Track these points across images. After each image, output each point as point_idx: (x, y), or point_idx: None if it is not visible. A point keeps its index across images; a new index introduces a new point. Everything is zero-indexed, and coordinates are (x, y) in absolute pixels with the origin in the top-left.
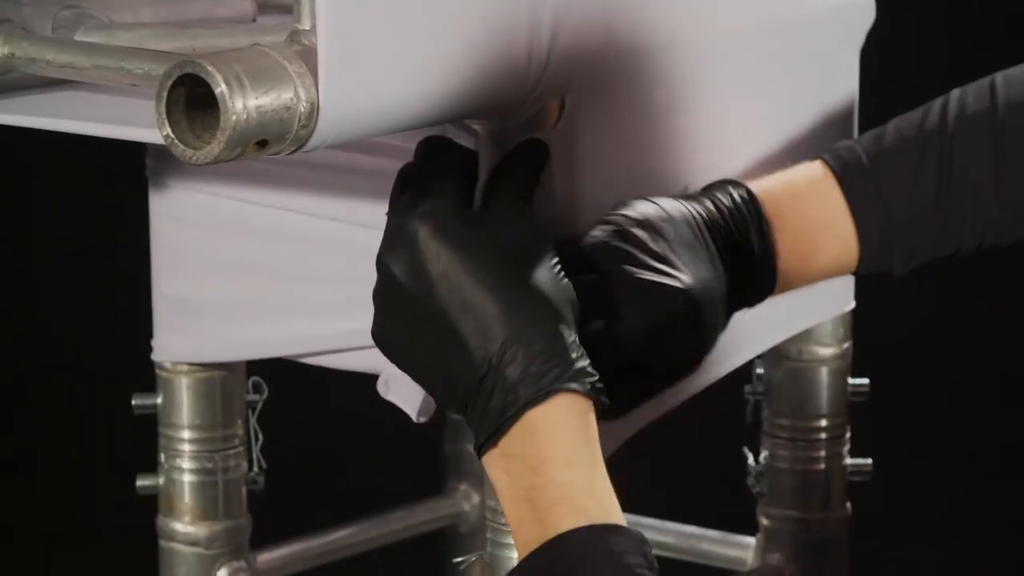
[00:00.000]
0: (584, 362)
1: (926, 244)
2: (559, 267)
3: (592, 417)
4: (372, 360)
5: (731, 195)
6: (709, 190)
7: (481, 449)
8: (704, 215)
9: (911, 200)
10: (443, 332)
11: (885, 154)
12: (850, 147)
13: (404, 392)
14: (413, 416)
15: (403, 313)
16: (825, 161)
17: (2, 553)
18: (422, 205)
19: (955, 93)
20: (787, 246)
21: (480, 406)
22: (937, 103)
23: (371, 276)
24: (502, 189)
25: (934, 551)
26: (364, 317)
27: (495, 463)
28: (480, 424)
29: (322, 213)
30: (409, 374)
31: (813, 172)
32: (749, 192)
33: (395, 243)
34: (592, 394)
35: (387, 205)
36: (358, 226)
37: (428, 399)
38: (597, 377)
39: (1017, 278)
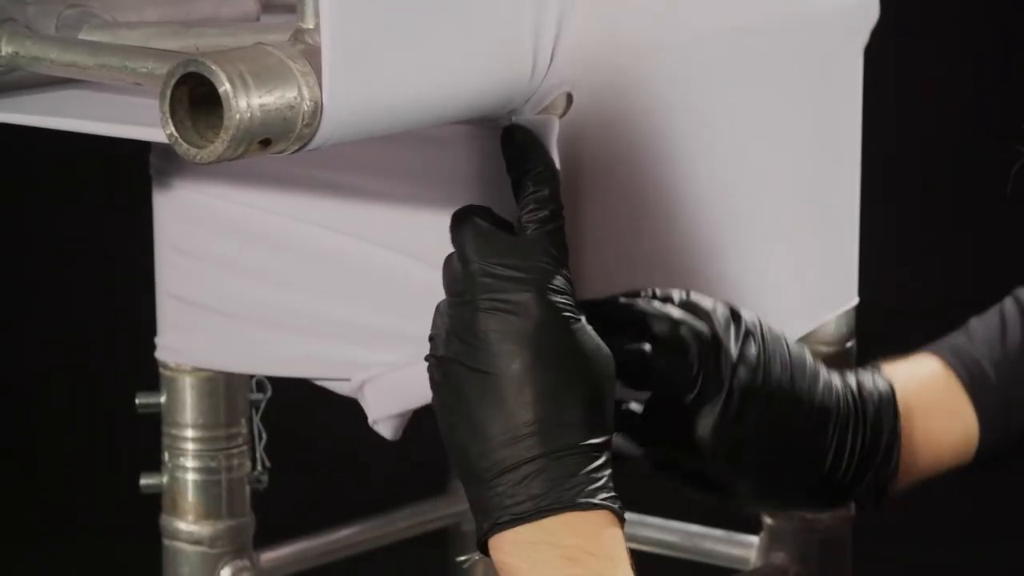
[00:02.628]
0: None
1: None
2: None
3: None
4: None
5: (874, 382)
6: (852, 372)
7: (494, 529)
8: (841, 394)
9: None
10: (520, 399)
11: (1004, 368)
12: (971, 354)
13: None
14: (388, 434)
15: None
16: (950, 364)
17: (3, 552)
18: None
19: (1022, 293)
20: (911, 447)
21: (507, 489)
22: (1010, 308)
23: (381, 301)
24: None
25: (937, 550)
26: (370, 346)
27: (512, 548)
28: (501, 506)
29: (332, 226)
30: (448, 420)
31: (937, 374)
32: (891, 386)
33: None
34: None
35: (401, 228)
36: (370, 244)
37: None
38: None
39: (1021, 277)
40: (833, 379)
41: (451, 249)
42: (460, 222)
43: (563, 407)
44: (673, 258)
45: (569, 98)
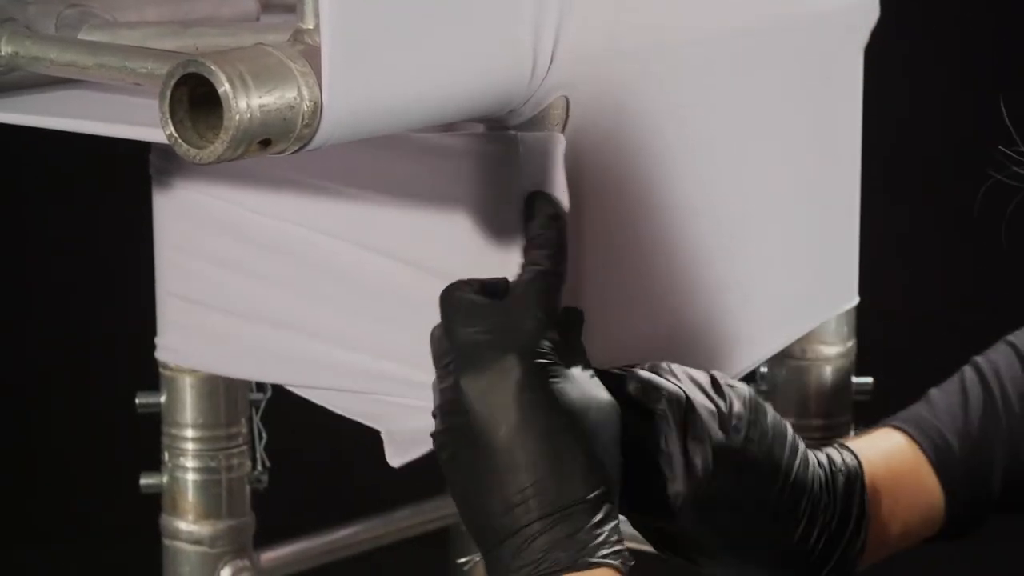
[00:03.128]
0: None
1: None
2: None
3: None
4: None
5: (843, 459)
6: (821, 448)
7: None
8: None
9: (994, 476)
10: (512, 466)
11: (969, 441)
12: (934, 426)
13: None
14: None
15: (471, 443)
16: (914, 438)
17: (4, 552)
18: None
19: (980, 361)
20: (878, 523)
21: (509, 555)
22: (970, 376)
23: (381, 309)
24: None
25: (937, 550)
26: (371, 354)
27: None
28: (507, 572)
29: (332, 232)
30: (456, 493)
31: (902, 448)
32: (859, 463)
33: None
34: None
35: (401, 236)
36: (369, 251)
37: (408, 447)
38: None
39: (1022, 277)
40: (809, 455)
41: (452, 257)
42: (446, 298)
43: (558, 464)
44: (672, 259)
45: (567, 109)
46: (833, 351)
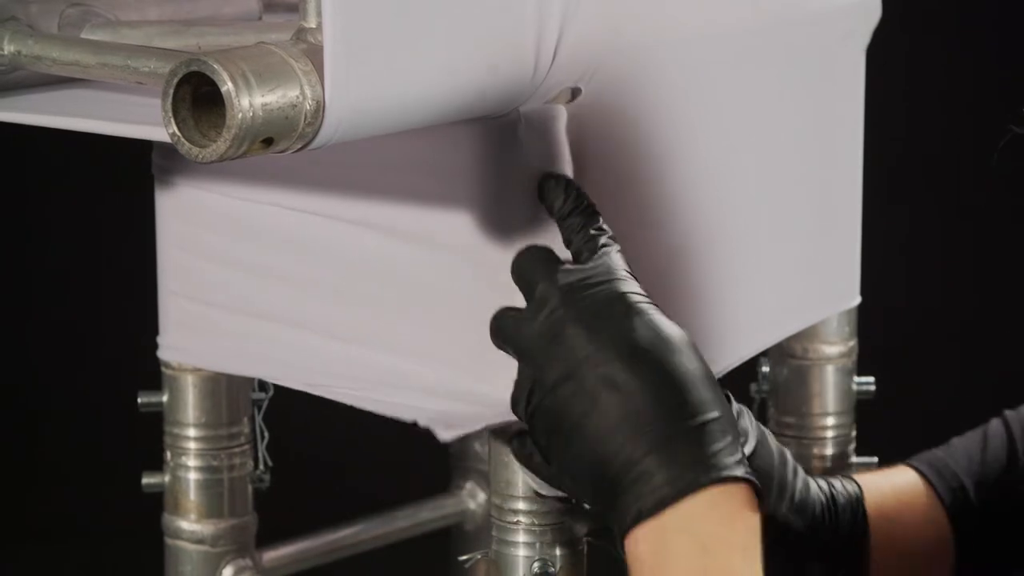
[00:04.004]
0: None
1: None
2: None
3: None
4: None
5: (845, 488)
6: (826, 478)
7: (634, 522)
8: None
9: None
10: (632, 393)
11: (984, 485)
12: (951, 469)
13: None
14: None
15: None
16: (927, 477)
17: (6, 551)
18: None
19: (1009, 414)
20: (881, 548)
21: (640, 479)
22: (994, 425)
23: (390, 297)
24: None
25: None
26: (379, 342)
27: (648, 541)
28: (637, 498)
29: (338, 217)
30: (559, 450)
31: (915, 486)
32: (859, 489)
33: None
34: (758, 487)
35: (425, 211)
36: (374, 232)
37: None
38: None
39: (1022, 277)
40: (809, 479)
41: (456, 233)
42: (531, 254)
43: (677, 390)
44: (673, 255)
45: (574, 91)
46: (835, 350)
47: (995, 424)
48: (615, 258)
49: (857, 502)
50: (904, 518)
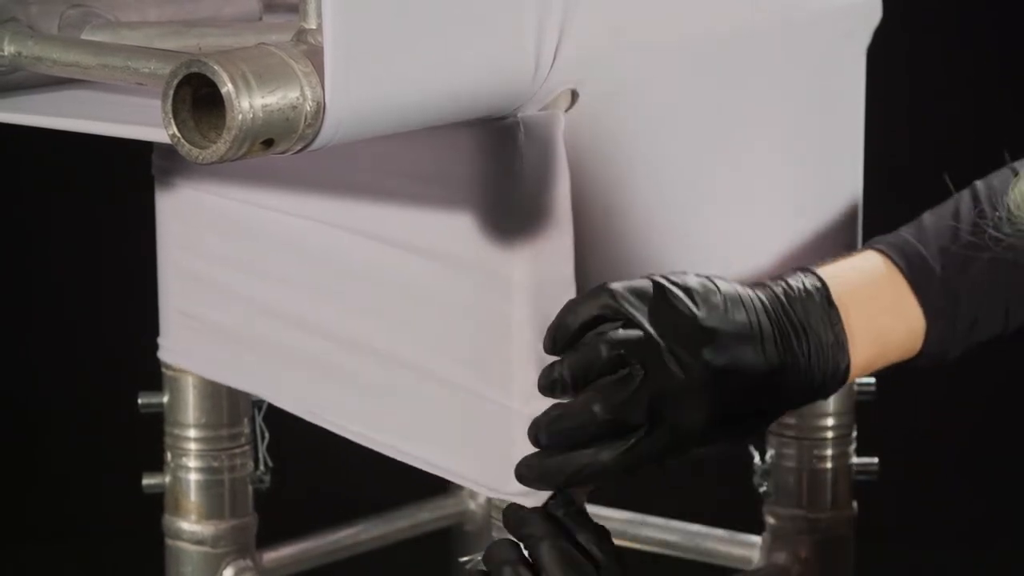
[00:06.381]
0: None
1: (984, 331)
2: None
3: None
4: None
5: (802, 282)
6: (779, 278)
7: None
8: (765, 299)
9: (975, 297)
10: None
11: (949, 257)
12: (915, 248)
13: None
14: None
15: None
16: (888, 256)
17: (6, 552)
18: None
19: (979, 185)
20: (857, 336)
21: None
22: (966, 197)
23: (390, 303)
24: None
25: (940, 550)
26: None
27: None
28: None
29: (339, 223)
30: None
31: (876, 266)
32: (821, 281)
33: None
34: None
35: (423, 217)
36: (374, 240)
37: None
38: None
39: None
40: (756, 293)
41: (455, 239)
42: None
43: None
44: (671, 256)
45: (574, 94)
46: None
47: (966, 198)
48: None
49: (822, 297)
50: (874, 308)
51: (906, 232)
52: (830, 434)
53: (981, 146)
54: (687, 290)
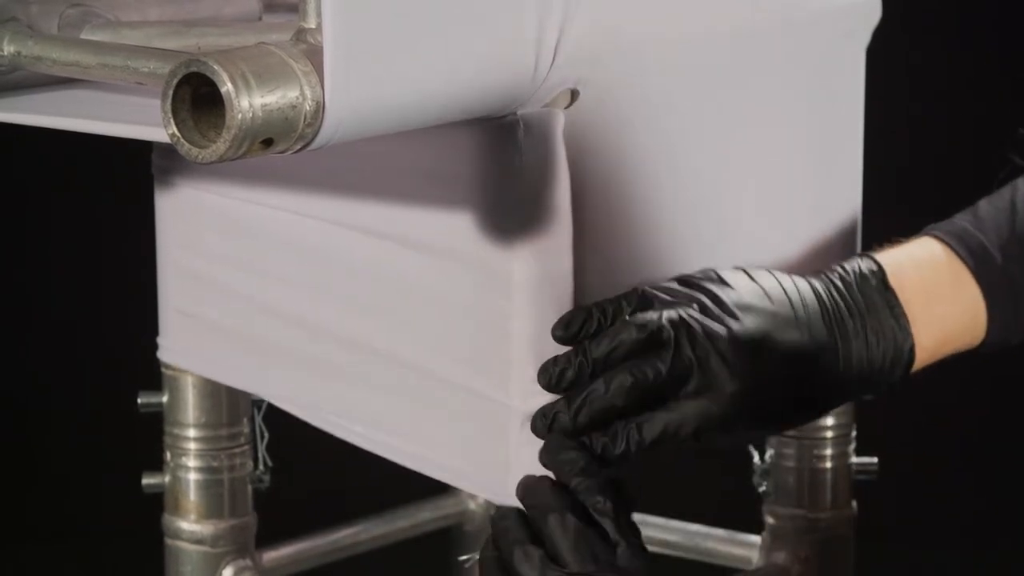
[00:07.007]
0: None
1: None
2: None
3: None
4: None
5: (858, 265)
6: (838, 265)
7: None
8: (817, 283)
9: None
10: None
11: (1009, 246)
12: (975, 236)
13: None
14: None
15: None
16: (948, 244)
17: (6, 552)
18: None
19: None
20: (920, 322)
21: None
22: (1021, 186)
23: (406, 301)
24: None
25: (939, 549)
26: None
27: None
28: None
29: (340, 221)
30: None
31: (935, 254)
32: (878, 264)
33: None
34: None
35: (424, 216)
36: (375, 238)
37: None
38: None
39: None
40: (813, 284)
41: (455, 236)
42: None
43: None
44: (671, 254)
45: (574, 92)
46: None
47: (1022, 184)
48: None
49: (880, 281)
50: (934, 296)
51: (963, 220)
52: (830, 434)
53: (981, 146)
54: (718, 277)
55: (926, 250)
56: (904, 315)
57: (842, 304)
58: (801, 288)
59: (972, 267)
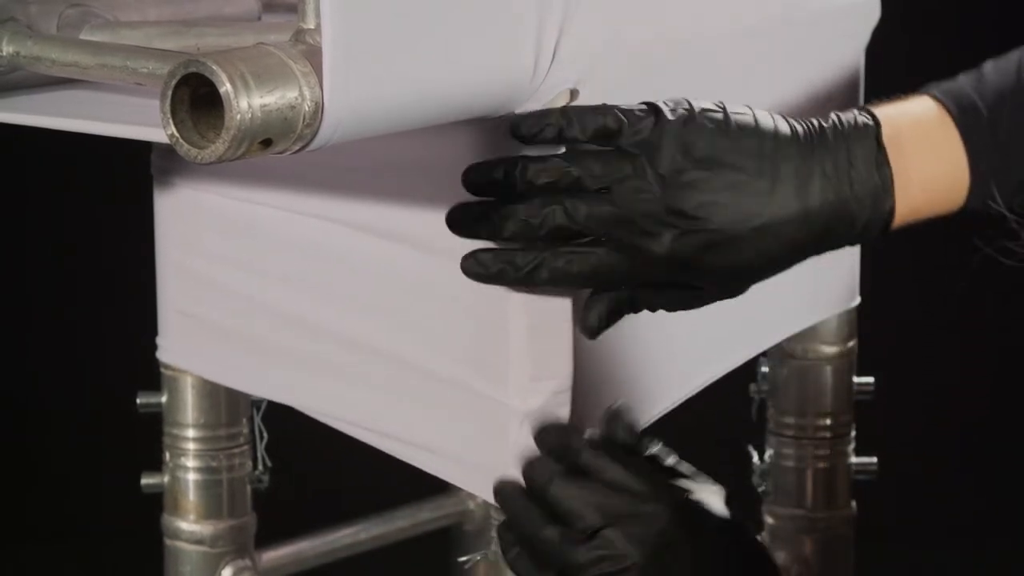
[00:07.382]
0: None
1: None
2: None
3: None
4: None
5: (854, 118)
6: (832, 112)
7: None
8: (800, 130)
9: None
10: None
11: (1006, 110)
12: (969, 97)
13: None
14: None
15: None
16: (941, 103)
17: (6, 552)
18: None
19: None
20: (909, 180)
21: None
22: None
23: (406, 299)
24: None
25: (939, 549)
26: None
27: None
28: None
29: (331, 217)
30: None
31: (928, 111)
32: (875, 119)
33: None
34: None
35: (423, 214)
36: (373, 236)
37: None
38: None
39: (1022, 277)
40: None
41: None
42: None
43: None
44: None
45: (573, 92)
46: (834, 351)
47: None
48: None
49: (873, 134)
50: (920, 149)
51: (964, 80)
52: (830, 433)
53: None
54: (690, 117)
55: (920, 107)
56: (890, 175)
57: (824, 156)
58: (782, 133)
59: (961, 127)
